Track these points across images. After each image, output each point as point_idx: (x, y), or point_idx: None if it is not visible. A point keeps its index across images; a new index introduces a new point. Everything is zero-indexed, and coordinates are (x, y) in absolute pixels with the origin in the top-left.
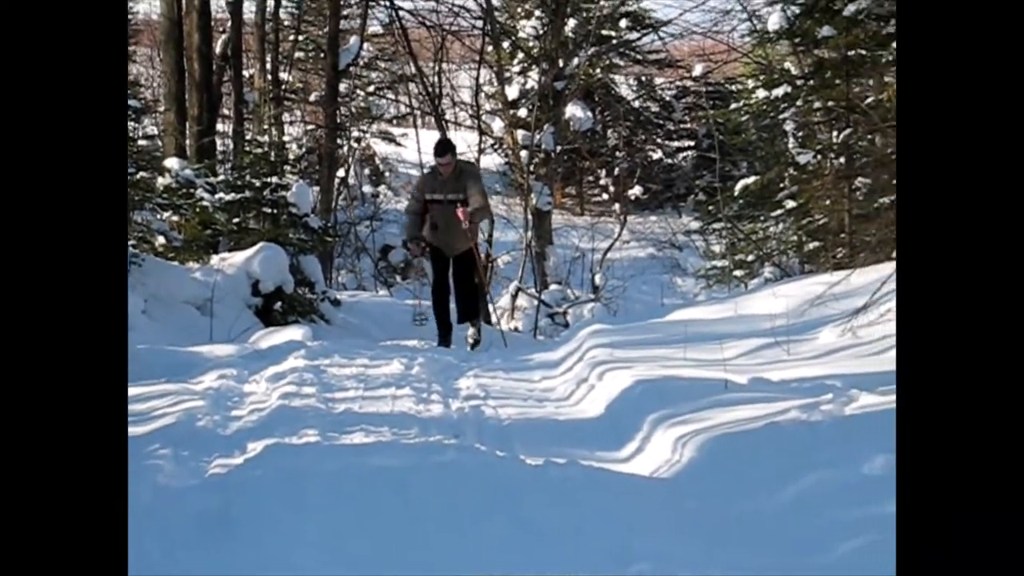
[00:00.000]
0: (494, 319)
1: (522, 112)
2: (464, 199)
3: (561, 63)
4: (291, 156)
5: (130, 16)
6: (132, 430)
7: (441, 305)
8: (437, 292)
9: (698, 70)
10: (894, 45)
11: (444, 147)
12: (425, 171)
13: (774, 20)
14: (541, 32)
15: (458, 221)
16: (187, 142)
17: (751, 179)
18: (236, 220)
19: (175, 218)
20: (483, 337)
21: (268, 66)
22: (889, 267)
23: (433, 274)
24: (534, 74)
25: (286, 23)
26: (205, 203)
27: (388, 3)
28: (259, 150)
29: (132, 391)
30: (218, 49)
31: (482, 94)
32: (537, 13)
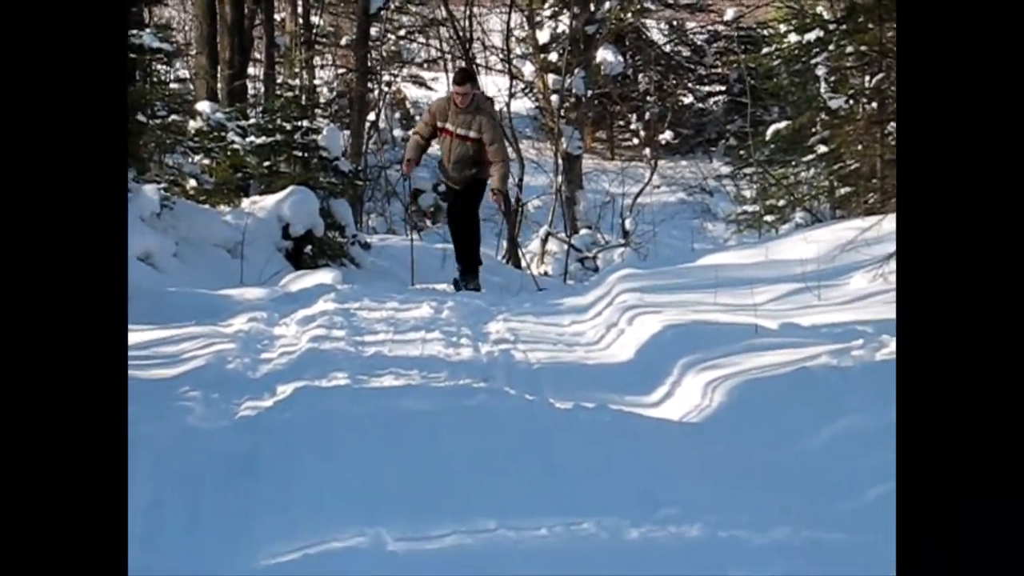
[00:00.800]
0: (523, 263)
1: (553, 56)
2: (477, 138)
3: (592, 7)
4: (322, 100)
5: None
6: (162, 372)
7: (455, 235)
8: (451, 219)
9: (729, 14)
10: None
11: (465, 75)
12: (440, 98)
13: None
14: None
15: (461, 156)
16: (218, 85)
17: (782, 124)
18: (267, 163)
19: (206, 161)
20: (483, 286)
21: (299, 9)
22: None
23: (448, 201)
24: (565, 18)
25: None
26: (236, 146)
27: None
28: (290, 94)
29: (162, 333)
30: None
31: (513, 38)
32: None
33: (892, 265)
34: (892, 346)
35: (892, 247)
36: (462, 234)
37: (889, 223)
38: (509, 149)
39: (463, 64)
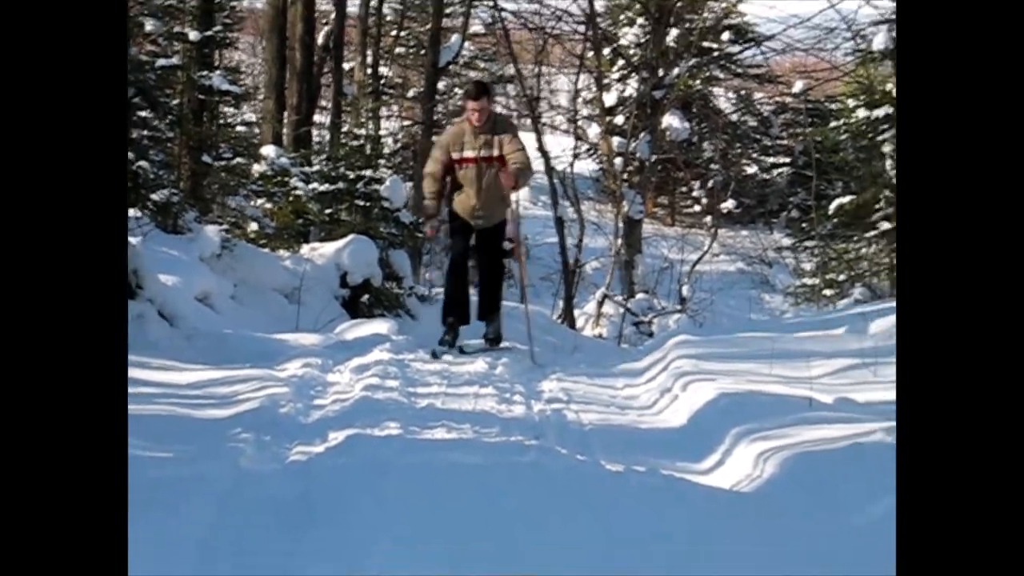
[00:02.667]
0: (579, 324)
1: (619, 119)
2: (500, 155)
3: (661, 72)
4: (386, 150)
5: (234, 4)
6: (216, 412)
7: (458, 286)
8: (455, 270)
9: (798, 86)
10: None
11: (480, 88)
12: (453, 125)
13: (879, 40)
14: (642, 40)
15: (490, 185)
16: (284, 131)
17: (846, 198)
18: (328, 211)
19: (268, 205)
20: (505, 334)
21: (368, 60)
22: None
23: (452, 248)
24: (633, 82)
25: (388, 18)
26: (299, 192)
27: (491, 3)
28: (355, 142)
29: (217, 374)
30: (320, 40)
31: (580, 99)
32: (640, 21)
33: None
34: None
35: None
36: (490, 278)
37: None
38: (570, 210)
39: (530, 122)
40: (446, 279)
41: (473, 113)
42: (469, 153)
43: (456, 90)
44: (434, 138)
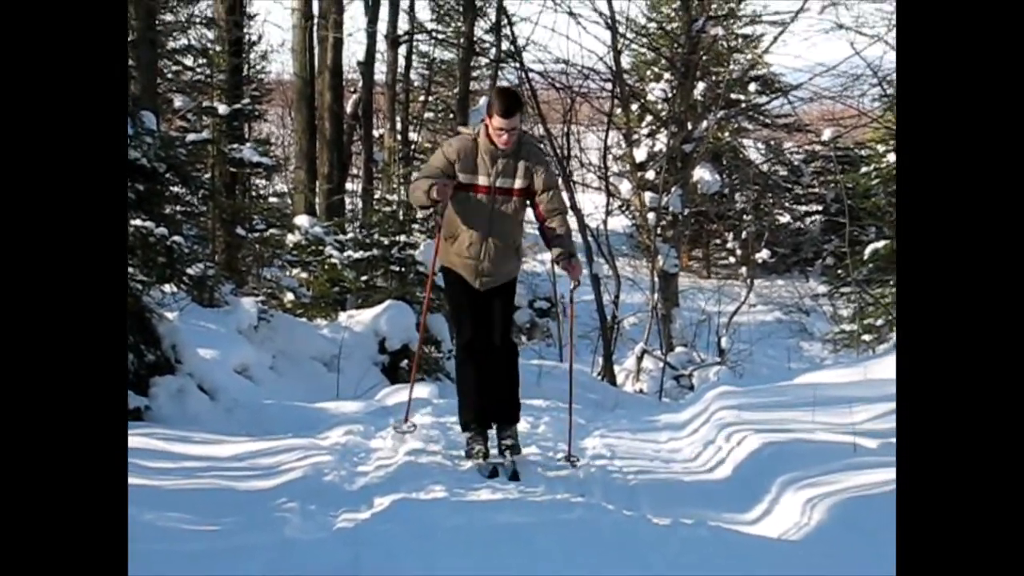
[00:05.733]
0: (619, 380)
1: (650, 174)
2: (524, 189)
3: (689, 126)
4: (419, 215)
5: (261, 75)
6: (259, 484)
7: (478, 376)
8: (470, 355)
9: (827, 134)
10: None
11: (515, 101)
12: (462, 135)
13: None
14: (670, 95)
15: (503, 229)
16: (317, 200)
17: (881, 243)
18: (364, 278)
19: (304, 275)
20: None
21: (398, 126)
22: None
23: (460, 321)
24: (662, 136)
25: (416, 84)
26: (334, 260)
27: (518, 65)
28: (387, 208)
29: (259, 446)
30: (349, 109)
31: (610, 156)
32: (666, 76)
33: None
34: None
35: None
36: (503, 375)
37: None
38: (605, 267)
39: (561, 181)
40: (459, 362)
41: (502, 134)
42: (481, 180)
43: None
44: None
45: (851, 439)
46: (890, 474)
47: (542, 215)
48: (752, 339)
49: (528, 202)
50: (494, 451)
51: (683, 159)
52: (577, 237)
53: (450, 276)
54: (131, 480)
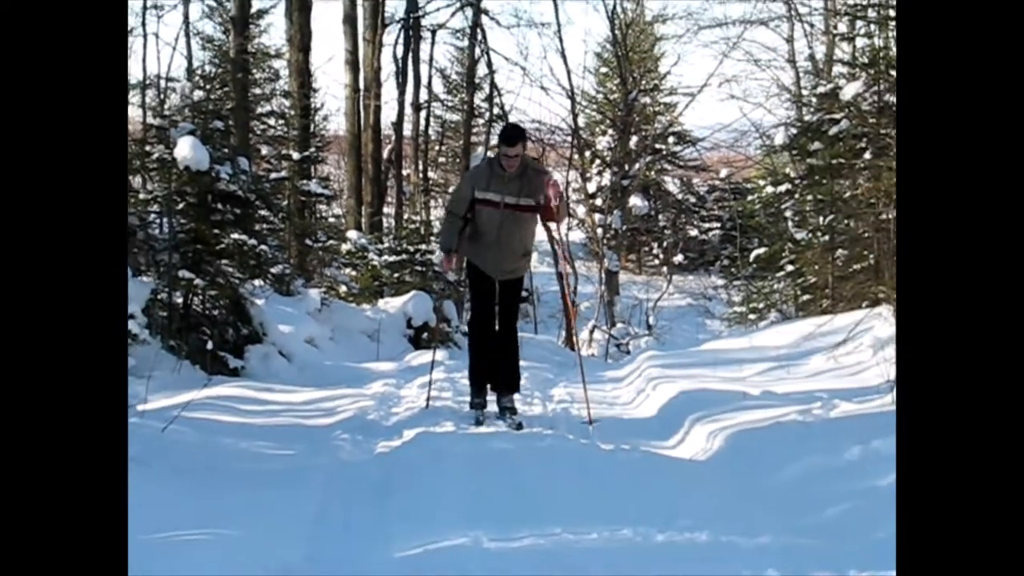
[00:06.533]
0: (577, 347)
1: (598, 201)
2: (531, 206)
3: (626, 167)
4: (435, 230)
5: (323, 131)
6: (321, 421)
7: (483, 348)
8: (479, 329)
9: (723, 173)
10: (867, 155)
11: (517, 132)
12: (476, 164)
13: (779, 137)
14: (612, 145)
15: (510, 234)
16: (362, 220)
17: (761, 250)
18: (396, 275)
19: (353, 273)
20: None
21: (419, 167)
22: (860, 313)
23: (475, 303)
24: (607, 174)
25: (432, 137)
26: (374, 263)
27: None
28: (412, 226)
29: (321, 394)
30: (385, 155)
31: (570, 188)
32: (610, 132)
33: (841, 350)
34: (841, 407)
35: (840, 337)
36: (506, 353)
37: (839, 320)
38: (568, 268)
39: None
40: (470, 337)
41: (507, 159)
42: (492, 196)
43: None
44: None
45: (740, 388)
46: (767, 414)
47: (531, 244)
48: (671, 318)
49: (538, 215)
50: (495, 409)
51: (622, 191)
52: (547, 246)
53: (472, 268)
54: (230, 419)
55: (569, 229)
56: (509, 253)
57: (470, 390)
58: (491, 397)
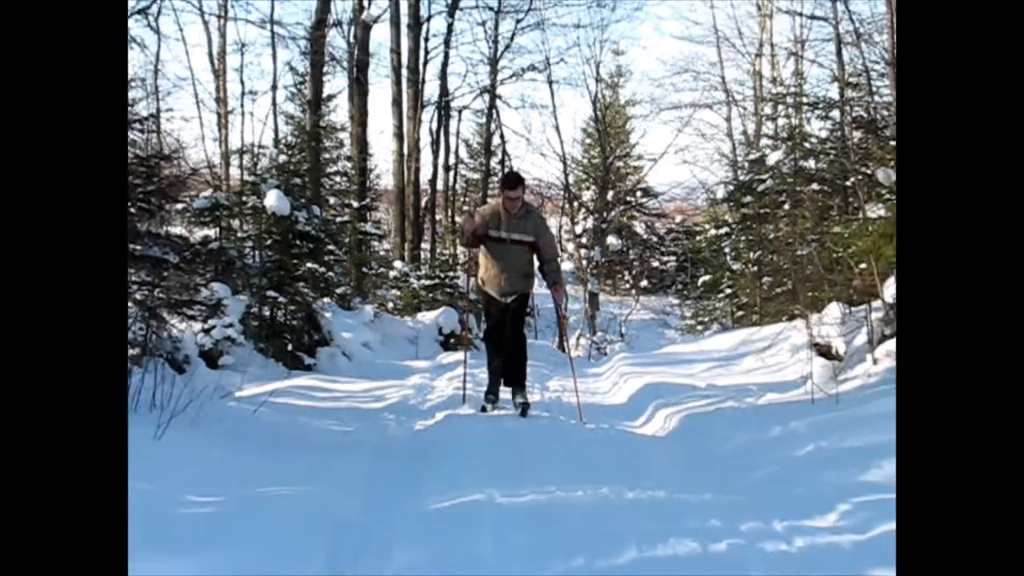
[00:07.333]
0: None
1: (583, 240)
2: (532, 242)
3: (605, 214)
4: (461, 260)
5: (376, 186)
6: (373, 405)
7: (495, 350)
8: (489, 338)
9: (678, 219)
10: (786, 206)
11: (517, 179)
12: (492, 203)
13: (720, 192)
14: (595, 197)
15: (515, 262)
16: (405, 253)
17: (707, 277)
18: (430, 295)
19: (398, 293)
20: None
21: (449, 213)
22: (781, 325)
23: (488, 320)
24: (590, 219)
25: (458, 191)
26: (414, 285)
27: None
28: (443, 258)
29: (373, 384)
30: (423, 204)
31: (562, 230)
32: (593, 187)
33: (767, 353)
34: (767, 397)
35: (765, 343)
36: (514, 354)
37: (765, 330)
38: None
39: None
40: (486, 344)
41: (510, 201)
42: (502, 234)
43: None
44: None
45: (691, 381)
46: (712, 401)
47: (542, 259)
48: (638, 328)
49: (534, 252)
50: (508, 399)
51: (601, 232)
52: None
53: (484, 292)
54: (304, 403)
55: (562, 261)
56: (513, 274)
57: (488, 379)
58: (506, 389)
